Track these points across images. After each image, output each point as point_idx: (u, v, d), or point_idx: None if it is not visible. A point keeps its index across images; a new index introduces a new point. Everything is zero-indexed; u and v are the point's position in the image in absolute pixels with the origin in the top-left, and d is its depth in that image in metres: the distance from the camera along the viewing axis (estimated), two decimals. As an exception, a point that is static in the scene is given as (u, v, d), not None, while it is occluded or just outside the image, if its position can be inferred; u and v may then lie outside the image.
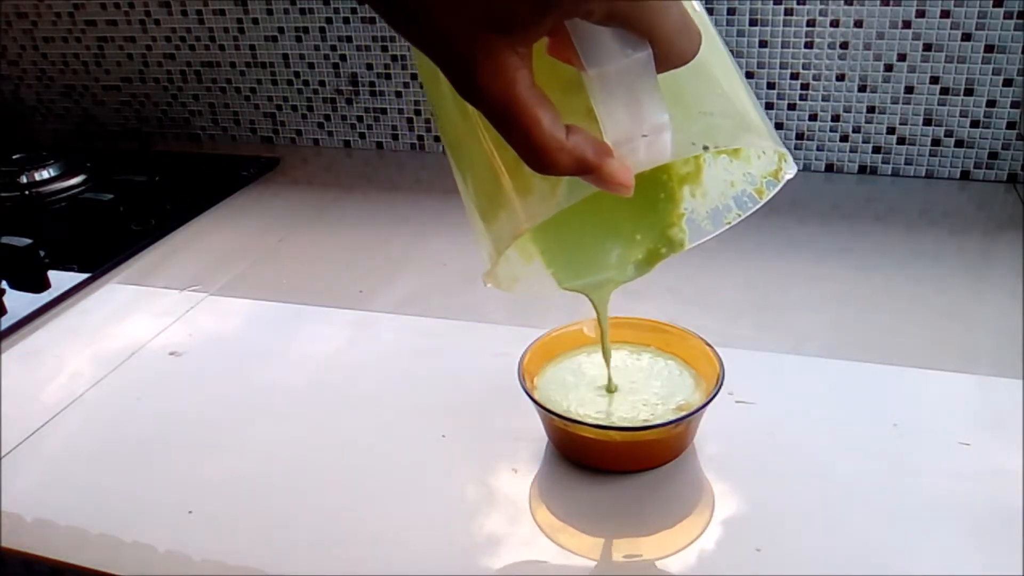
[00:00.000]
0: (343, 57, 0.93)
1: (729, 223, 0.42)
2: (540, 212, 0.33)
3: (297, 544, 0.42)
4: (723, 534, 0.41)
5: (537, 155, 0.29)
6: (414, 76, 0.92)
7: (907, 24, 0.75)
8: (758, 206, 0.41)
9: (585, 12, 0.27)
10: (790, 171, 0.39)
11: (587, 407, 0.46)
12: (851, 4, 0.76)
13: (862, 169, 0.82)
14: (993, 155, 0.78)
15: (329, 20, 0.91)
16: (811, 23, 0.77)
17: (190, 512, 0.44)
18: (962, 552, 0.40)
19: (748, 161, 0.40)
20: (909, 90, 0.78)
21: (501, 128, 0.29)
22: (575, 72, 0.30)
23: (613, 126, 0.30)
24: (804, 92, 0.80)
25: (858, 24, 0.76)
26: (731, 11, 0.78)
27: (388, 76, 0.92)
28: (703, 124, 0.33)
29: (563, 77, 0.30)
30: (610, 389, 0.47)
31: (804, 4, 0.77)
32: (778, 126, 0.81)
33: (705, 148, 0.33)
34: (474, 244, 0.38)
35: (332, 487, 0.46)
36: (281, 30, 0.94)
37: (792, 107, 0.80)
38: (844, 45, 0.77)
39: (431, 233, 0.75)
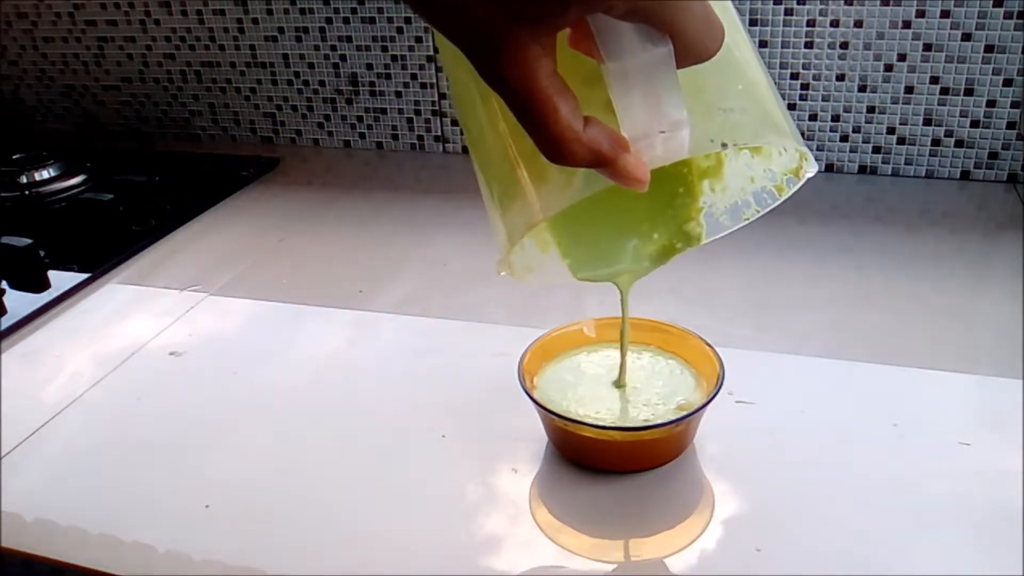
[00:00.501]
0: (343, 57, 0.93)
1: (747, 219, 0.41)
2: (555, 203, 0.33)
3: (297, 544, 0.42)
4: (723, 534, 0.41)
5: (553, 145, 0.29)
6: (414, 76, 0.92)
7: (907, 24, 0.75)
8: (777, 203, 0.40)
9: (607, 7, 0.27)
10: (811, 170, 0.38)
11: (587, 407, 0.46)
12: (851, 4, 0.76)
13: (862, 169, 0.82)
14: (993, 155, 0.78)
15: (329, 20, 0.91)
16: (811, 23, 0.77)
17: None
18: (962, 552, 0.40)
19: (769, 157, 0.40)
20: (909, 90, 0.78)
21: (520, 116, 0.29)
22: (595, 65, 0.30)
23: (630, 121, 0.30)
24: (804, 92, 0.80)
25: (858, 24, 0.76)
26: (731, 11, 0.78)
27: (388, 76, 0.92)
28: (722, 121, 0.33)
29: (583, 69, 0.30)
30: (620, 384, 0.47)
31: (804, 4, 0.77)
32: (778, 126, 0.81)
33: (723, 145, 0.33)
34: (490, 232, 0.38)
35: (332, 487, 0.46)
36: (281, 30, 0.94)
37: (792, 107, 0.80)
38: (844, 45, 0.77)
39: (431, 233, 0.75)
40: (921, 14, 0.74)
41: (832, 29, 0.77)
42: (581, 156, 0.29)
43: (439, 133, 0.94)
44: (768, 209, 0.41)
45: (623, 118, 0.30)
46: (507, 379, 0.47)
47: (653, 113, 0.29)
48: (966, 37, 0.74)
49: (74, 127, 1.08)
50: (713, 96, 0.32)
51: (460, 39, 0.29)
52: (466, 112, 0.37)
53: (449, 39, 0.29)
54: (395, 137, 0.95)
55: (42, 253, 0.71)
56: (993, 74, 0.75)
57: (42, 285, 0.68)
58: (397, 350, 0.58)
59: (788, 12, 0.77)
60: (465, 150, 0.92)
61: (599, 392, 0.47)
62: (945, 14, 0.74)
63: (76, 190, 0.87)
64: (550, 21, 0.27)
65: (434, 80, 0.91)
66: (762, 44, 0.79)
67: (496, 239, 0.37)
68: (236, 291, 0.67)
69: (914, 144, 0.79)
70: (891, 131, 0.80)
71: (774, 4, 0.77)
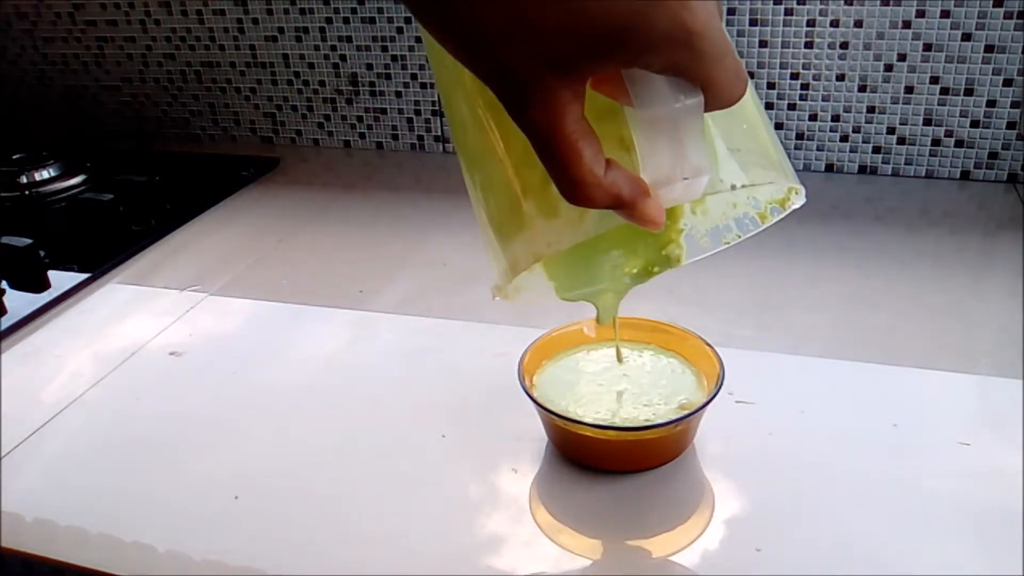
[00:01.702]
0: (343, 57, 0.93)
1: (728, 243, 0.42)
2: (566, 238, 0.33)
3: (297, 544, 0.42)
4: (723, 534, 0.41)
5: (573, 188, 0.29)
6: (414, 76, 0.92)
7: (907, 24, 0.75)
8: (759, 230, 0.41)
9: (644, 64, 0.27)
10: (798, 202, 0.39)
11: (587, 407, 0.46)
12: (851, 4, 0.76)
13: (862, 169, 0.82)
14: (993, 155, 0.78)
15: (329, 20, 0.91)
16: (811, 23, 0.77)
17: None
18: (962, 552, 0.40)
19: (754, 187, 0.40)
20: (909, 90, 0.78)
21: (543, 156, 0.29)
22: (610, 101, 0.30)
23: (655, 167, 0.30)
24: (804, 92, 0.80)
25: (858, 24, 0.76)
26: (731, 11, 0.78)
27: (388, 76, 0.92)
28: (734, 161, 0.33)
29: (597, 105, 0.30)
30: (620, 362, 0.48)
31: (804, 4, 0.77)
32: (778, 126, 0.81)
33: (733, 187, 0.33)
34: (487, 258, 0.38)
35: (332, 487, 0.46)
36: (281, 30, 0.94)
37: (792, 107, 0.80)
38: (844, 45, 0.77)
39: (431, 233, 0.75)
40: (921, 14, 0.74)
41: (832, 29, 0.77)
42: (600, 200, 0.30)
43: (439, 133, 0.94)
44: (750, 235, 0.41)
45: (648, 164, 0.30)
46: (507, 379, 0.47)
47: (678, 161, 0.30)
48: (966, 37, 0.74)
49: (74, 127, 1.08)
50: (723, 137, 0.33)
51: (490, 77, 0.29)
52: (462, 138, 0.37)
53: (477, 75, 0.29)
54: (395, 137, 0.95)
55: (42, 253, 0.71)
56: (993, 74, 0.75)
57: (42, 285, 0.68)
58: (397, 350, 0.58)
59: (788, 12, 0.77)
60: (465, 150, 0.92)
61: (599, 392, 0.47)
62: (945, 14, 0.74)
63: (76, 190, 0.87)
64: (585, 71, 0.28)
65: (434, 80, 0.91)
66: (762, 44, 0.79)
67: (493, 264, 0.37)
68: (236, 291, 0.67)
69: (914, 144, 0.79)
70: (891, 131, 0.80)
71: (774, 4, 0.77)
